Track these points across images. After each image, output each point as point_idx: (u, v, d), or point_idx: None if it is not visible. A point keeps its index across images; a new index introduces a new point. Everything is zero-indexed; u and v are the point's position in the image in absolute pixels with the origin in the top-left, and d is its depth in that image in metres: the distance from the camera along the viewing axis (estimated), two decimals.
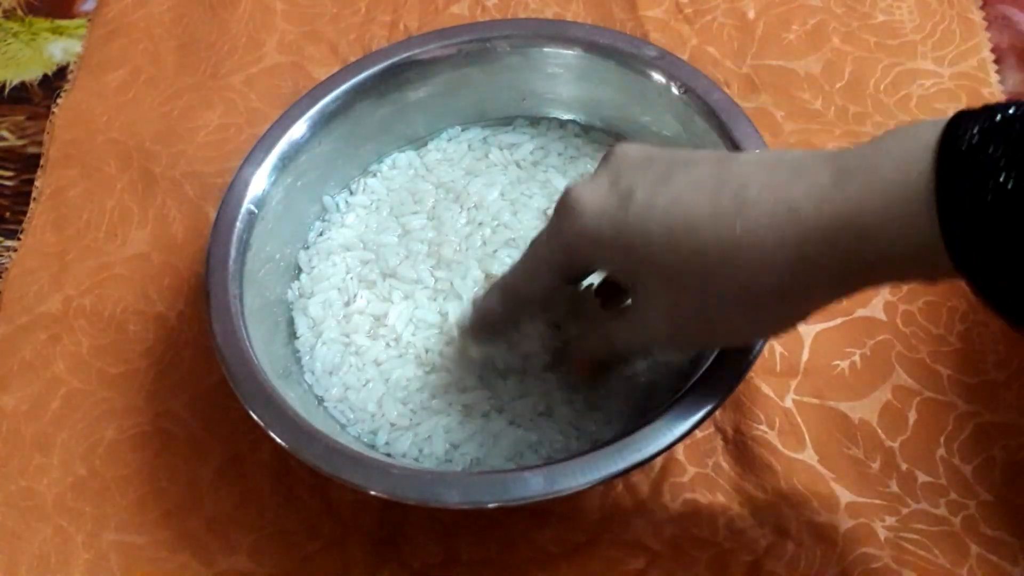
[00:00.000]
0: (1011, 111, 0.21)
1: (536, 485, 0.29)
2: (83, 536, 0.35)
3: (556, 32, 0.38)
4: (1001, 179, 0.20)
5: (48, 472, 0.36)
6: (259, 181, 0.36)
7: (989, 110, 0.21)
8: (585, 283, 0.33)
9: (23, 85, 0.48)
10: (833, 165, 0.23)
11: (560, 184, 0.38)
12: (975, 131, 0.21)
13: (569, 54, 0.38)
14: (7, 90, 0.48)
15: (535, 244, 0.30)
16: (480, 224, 0.37)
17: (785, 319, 0.26)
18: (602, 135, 0.40)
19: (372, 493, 0.29)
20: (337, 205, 0.39)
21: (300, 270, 0.38)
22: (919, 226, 0.21)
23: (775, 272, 0.24)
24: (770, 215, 0.24)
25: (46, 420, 0.37)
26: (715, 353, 0.31)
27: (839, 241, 0.23)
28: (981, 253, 0.21)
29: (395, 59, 0.38)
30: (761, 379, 0.36)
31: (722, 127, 0.34)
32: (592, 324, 0.32)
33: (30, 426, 0.37)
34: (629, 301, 0.30)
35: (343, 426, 0.34)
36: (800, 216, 0.23)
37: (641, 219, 0.25)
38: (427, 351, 0.35)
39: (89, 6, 0.50)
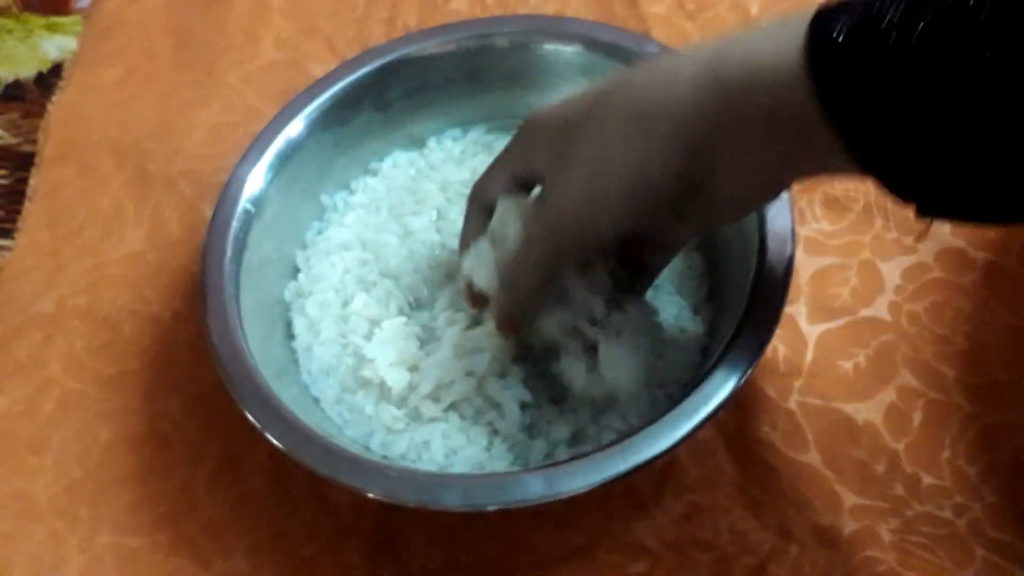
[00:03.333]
0: None
1: (536, 488, 0.29)
2: (78, 538, 0.34)
3: (556, 29, 0.38)
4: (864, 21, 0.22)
5: (42, 474, 0.36)
6: (256, 180, 0.36)
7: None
8: None
9: (17, 82, 0.47)
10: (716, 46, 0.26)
11: None
12: None
13: (570, 51, 0.38)
14: (1, 87, 0.47)
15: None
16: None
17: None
18: None
19: (370, 496, 0.29)
20: (335, 204, 0.39)
21: (298, 270, 0.38)
22: (790, 69, 0.23)
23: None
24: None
25: (40, 421, 0.37)
26: (716, 355, 0.31)
27: (718, 88, 0.25)
28: (846, 93, 0.22)
29: (393, 56, 0.38)
30: (764, 380, 0.35)
31: None
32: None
33: (24, 427, 0.37)
34: None
35: (340, 428, 0.34)
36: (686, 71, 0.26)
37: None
38: (423, 353, 0.34)
39: (84, 3, 0.50)
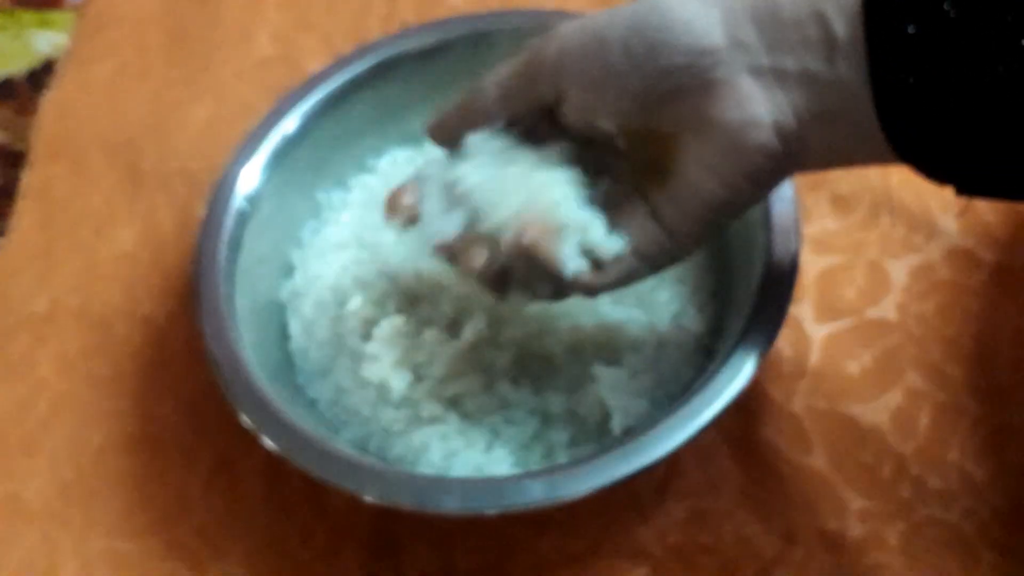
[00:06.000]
0: None
1: (537, 492, 0.28)
2: (71, 543, 0.34)
3: (557, 23, 0.37)
4: None
5: (34, 477, 0.36)
6: (250, 177, 0.35)
7: None
8: None
9: (9, 79, 0.47)
10: None
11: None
12: None
13: None
14: None
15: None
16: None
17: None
18: None
19: (367, 500, 0.29)
20: (332, 202, 0.39)
21: (293, 269, 0.37)
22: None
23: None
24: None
25: (32, 423, 0.37)
26: (721, 355, 0.30)
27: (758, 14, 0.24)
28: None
29: (391, 52, 0.38)
30: (768, 381, 0.35)
31: None
32: None
33: (15, 429, 0.37)
34: None
35: (336, 430, 0.34)
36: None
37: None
38: (422, 354, 0.34)
39: None
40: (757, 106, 0.25)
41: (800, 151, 0.25)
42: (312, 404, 0.34)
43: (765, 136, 0.25)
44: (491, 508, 0.28)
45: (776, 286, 0.31)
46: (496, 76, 0.28)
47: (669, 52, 0.25)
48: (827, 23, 0.23)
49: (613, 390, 0.32)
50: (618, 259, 0.28)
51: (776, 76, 0.24)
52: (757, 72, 0.25)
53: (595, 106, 0.26)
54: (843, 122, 0.24)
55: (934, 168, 0.23)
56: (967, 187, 0.24)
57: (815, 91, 0.24)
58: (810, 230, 0.38)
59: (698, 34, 0.25)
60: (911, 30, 0.22)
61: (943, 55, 0.22)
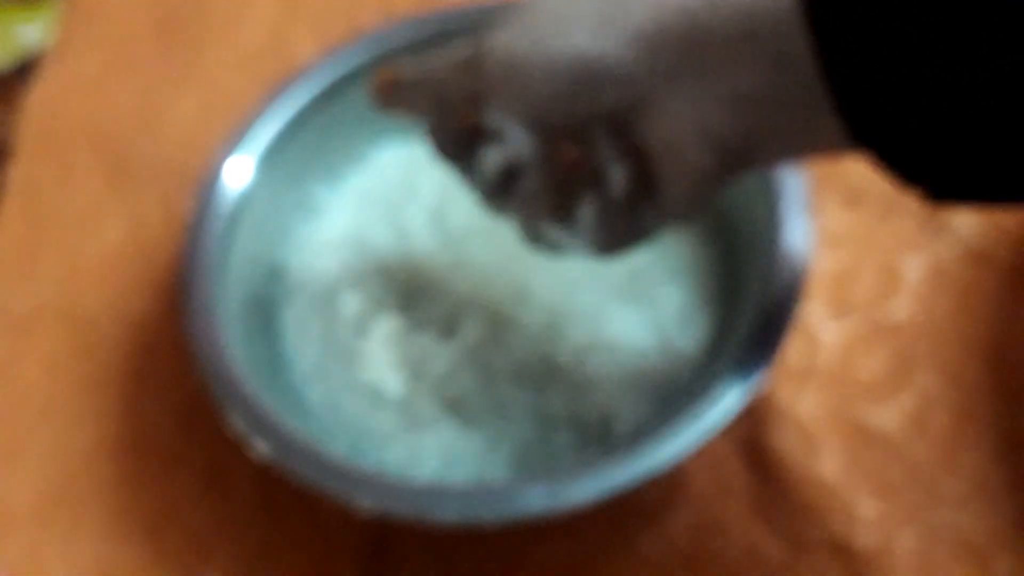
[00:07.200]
0: None
1: (538, 499, 0.28)
2: (57, 548, 0.34)
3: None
4: None
5: (20, 482, 0.35)
6: (241, 172, 0.35)
7: None
8: None
9: None
10: None
11: None
12: None
13: None
14: None
15: None
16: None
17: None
18: None
19: (361, 508, 0.28)
20: (325, 198, 0.38)
21: (285, 267, 0.37)
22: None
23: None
24: None
25: (17, 427, 0.36)
26: (729, 356, 0.30)
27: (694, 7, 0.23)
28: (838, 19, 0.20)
29: (387, 44, 0.37)
30: (775, 383, 0.35)
31: None
32: None
33: (1, 432, 0.36)
34: None
35: (330, 434, 0.33)
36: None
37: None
38: (419, 355, 0.34)
39: None
40: (688, 132, 0.24)
41: (750, 161, 0.25)
42: (305, 407, 0.34)
43: (700, 159, 0.25)
44: (491, 517, 0.28)
45: (785, 285, 0.30)
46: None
47: (597, 98, 0.25)
48: (761, 41, 0.22)
49: (615, 392, 0.32)
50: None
51: (711, 100, 0.24)
52: (688, 99, 0.24)
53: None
54: (798, 132, 0.24)
55: (908, 169, 0.22)
56: (940, 186, 0.22)
57: (758, 109, 0.23)
58: (819, 226, 0.38)
59: (619, 77, 0.24)
60: (865, 36, 0.20)
61: (902, 54, 0.20)
